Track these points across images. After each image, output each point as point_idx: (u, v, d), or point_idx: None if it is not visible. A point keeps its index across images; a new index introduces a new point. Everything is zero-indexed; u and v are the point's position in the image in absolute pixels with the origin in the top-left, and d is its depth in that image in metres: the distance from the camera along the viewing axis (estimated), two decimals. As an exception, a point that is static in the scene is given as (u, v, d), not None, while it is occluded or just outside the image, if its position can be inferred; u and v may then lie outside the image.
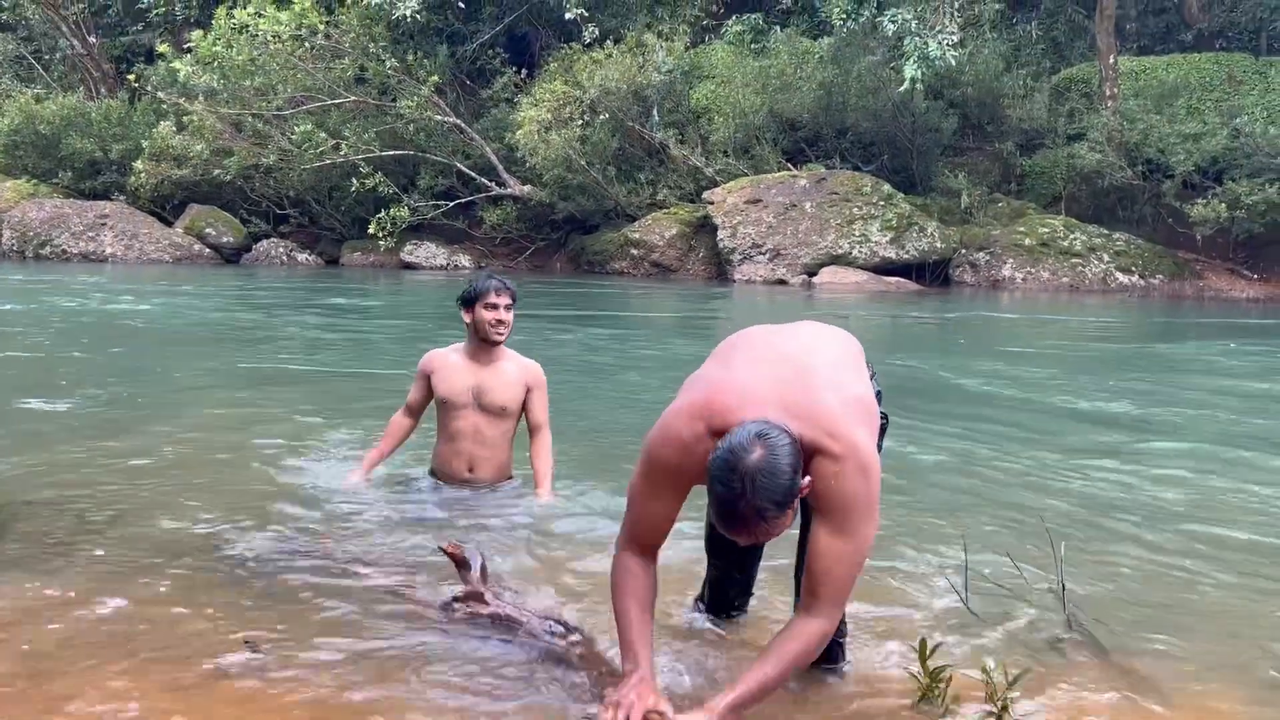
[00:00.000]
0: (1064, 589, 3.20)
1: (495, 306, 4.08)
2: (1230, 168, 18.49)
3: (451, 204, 22.09)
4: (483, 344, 4.14)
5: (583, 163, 20.77)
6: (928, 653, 2.44)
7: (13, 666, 2.62)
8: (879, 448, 2.58)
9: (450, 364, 4.17)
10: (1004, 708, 2.41)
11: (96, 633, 2.85)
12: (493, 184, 22.11)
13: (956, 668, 2.57)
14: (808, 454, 2.20)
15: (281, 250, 22.90)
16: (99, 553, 3.51)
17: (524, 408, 4.20)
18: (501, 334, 4.11)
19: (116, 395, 6.77)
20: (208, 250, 22.55)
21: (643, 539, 2.40)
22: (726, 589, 2.91)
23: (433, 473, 4.28)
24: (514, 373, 4.17)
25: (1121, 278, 18.73)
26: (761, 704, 2.29)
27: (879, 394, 2.66)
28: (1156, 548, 3.92)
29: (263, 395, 6.92)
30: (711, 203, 20.16)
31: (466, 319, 4.14)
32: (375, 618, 2.98)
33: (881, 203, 19.52)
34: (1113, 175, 19.39)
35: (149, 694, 2.50)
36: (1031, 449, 5.63)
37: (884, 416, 2.66)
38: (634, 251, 20.73)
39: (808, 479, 2.18)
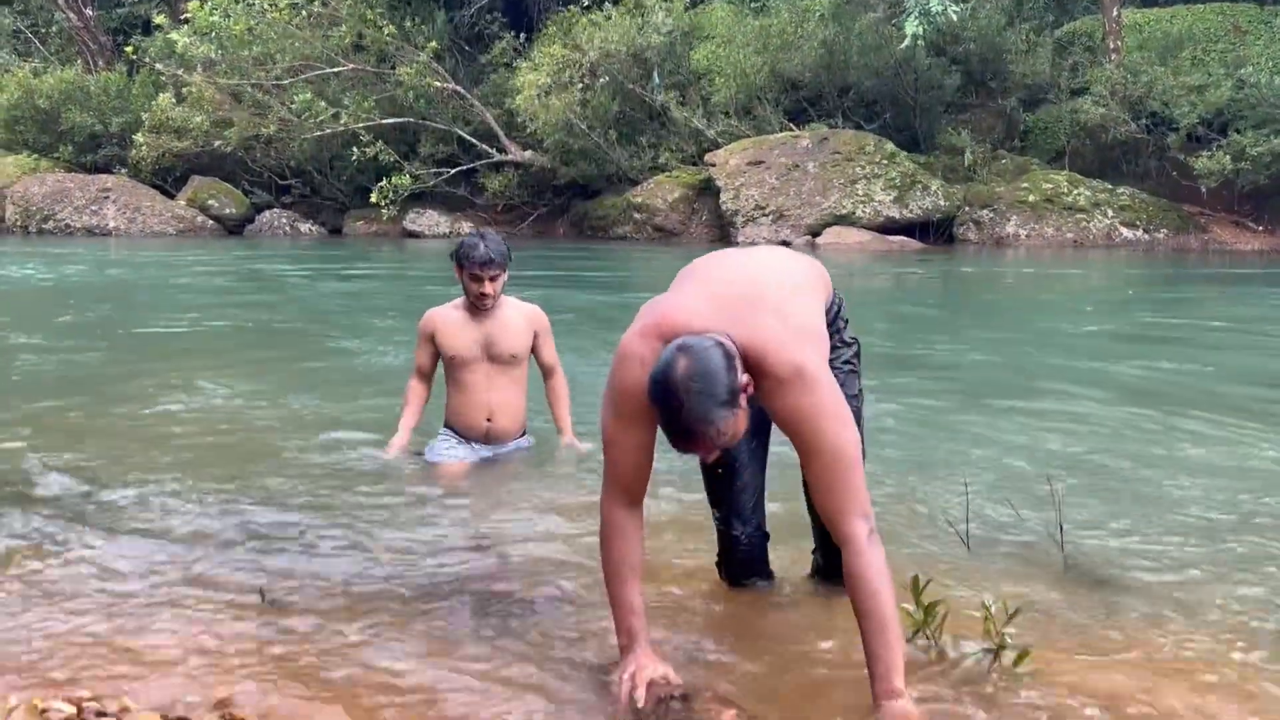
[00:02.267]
0: (1061, 529, 3.24)
1: (479, 279, 3.97)
2: (1235, 119, 18.34)
3: (453, 171, 22.04)
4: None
5: (583, 127, 20.68)
6: (921, 588, 2.48)
7: (33, 616, 2.68)
8: (858, 372, 2.73)
9: (452, 321, 4.10)
10: (1001, 643, 2.46)
11: (98, 583, 2.92)
12: (494, 150, 22.05)
13: (956, 605, 2.61)
14: (756, 374, 2.23)
15: (284, 221, 22.90)
16: (117, 509, 3.58)
17: (533, 352, 4.20)
18: (486, 306, 4.03)
19: (128, 360, 6.82)
20: (211, 222, 22.55)
21: (625, 481, 2.38)
22: (735, 535, 2.82)
23: (449, 426, 4.23)
24: (519, 319, 4.13)
25: (1126, 233, 18.66)
26: None
27: (845, 320, 2.72)
28: (1152, 490, 3.96)
29: (278, 361, 6.97)
30: (713, 165, 20.08)
31: (457, 277, 4.08)
32: (392, 580, 3.01)
33: (884, 161, 19.43)
34: (1117, 129, 19.27)
35: (160, 638, 2.56)
36: (1028, 398, 5.66)
37: (855, 340, 2.74)
38: (636, 216, 20.68)
39: (747, 377, 2.19)
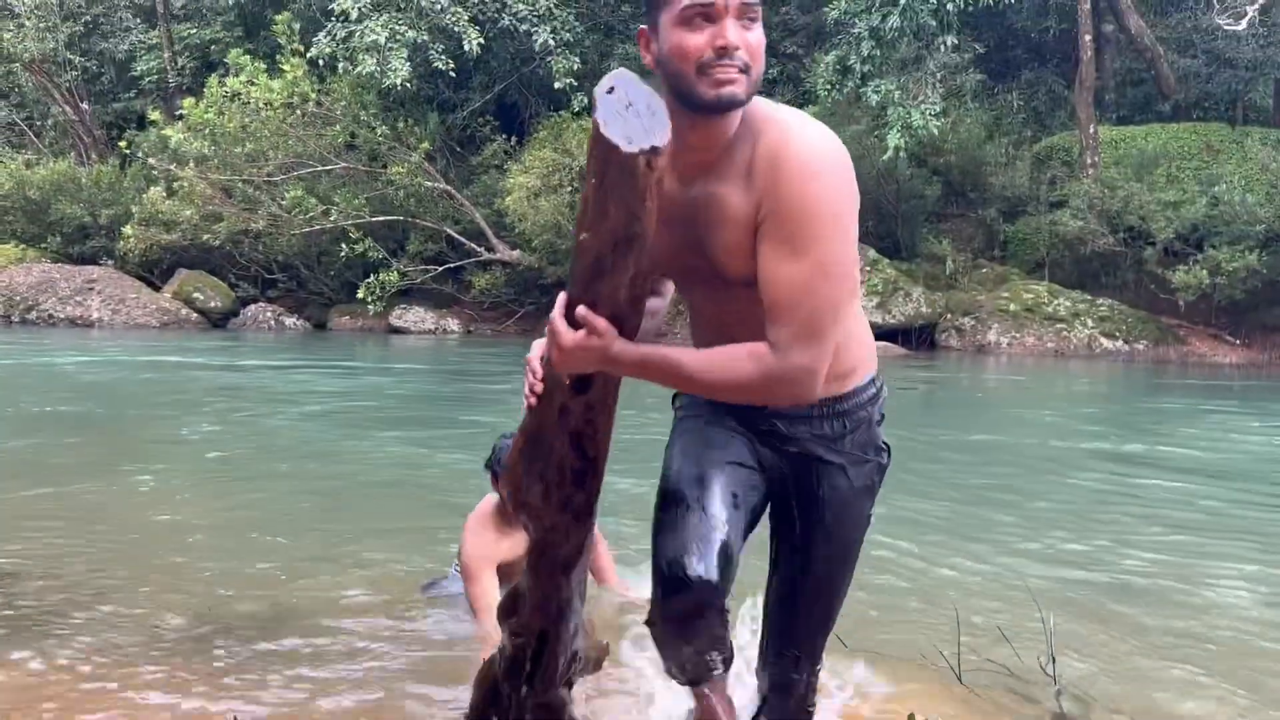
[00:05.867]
0: (1054, 661, 3.18)
1: None
2: (1210, 235, 18.72)
3: (440, 269, 22.18)
4: None
5: (571, 228, 20.89)
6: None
7: None
8: (875, 494, 2.15)
9: (505, 540, 3.51)
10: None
11: (80, 703, 2.82)
12: (482, 249, 22.24)
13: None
14: (752, 134, 1.88)
15: (269, 315, 22.90)
16: (88, 626, 3.49)
17: None
18: None
19: (98, 461, 6.72)
20: (195, 315, 22.53)
21: None
22: (687, 575, 1.97)
23: None
24: None
25: (1106, 343, 18.86)
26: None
27: (883, 415, 2.20)
28: (1144, 620, 3.90)
29: (245, 465, 6.88)
30: (699, 268, 20.28)
31: (494, 487, 3.54)
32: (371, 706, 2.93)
33: (867, 268, 19.67)
34: (1095, 242, 19.62)
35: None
36: (1017, 517, 5.62)
37: (888, 448, 2.20)
38: (622, 316, 20.78)
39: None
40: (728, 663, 2.12)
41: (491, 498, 3.56)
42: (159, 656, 3.23)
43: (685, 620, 2.00)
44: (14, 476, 6.04)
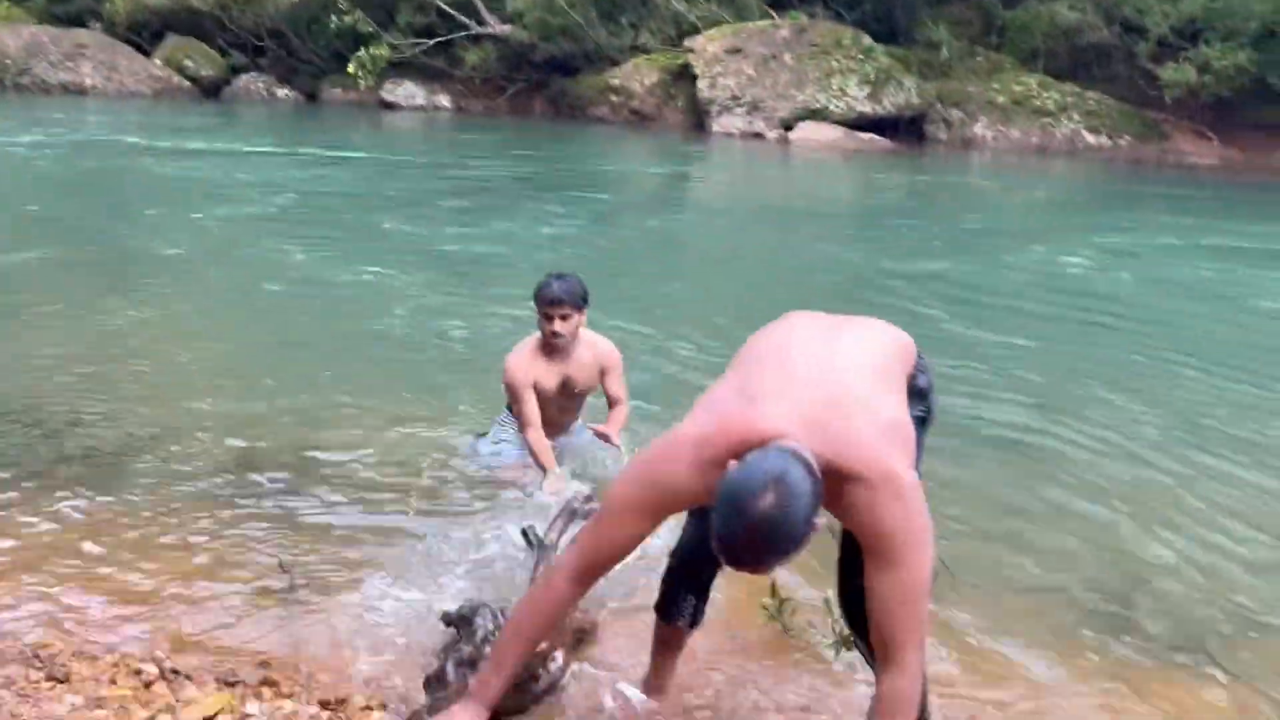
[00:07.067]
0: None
1: (550, 318, 3.80)
2: (1206, 30, 18.57)
3: (431, 42, 21.94)
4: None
5: (564, 3, 20.61)
6: (777, 588, 3.12)
7: (59, 579, 2.98)
8: (921, 442, 2.36)
9: (539, 368, 3.95)
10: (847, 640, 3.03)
11: (130, 546, 3.20)
12: (472, 22, 21.93)
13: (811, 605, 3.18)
14: (837, 479, 2.03)
15: (261, 85, 22.81)
16: (146, 472, 3.78)
17: (601, 383, 4.13)
18: (559, 345, 3.88)
19: (98, 281, 6.76)
20: (187, 83, 22.45)
21: (598, 565, 2.23)
22: (679, 585, 2.57)
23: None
24: (589, 359, 4.03)
25: (1090, 138, 19.08)
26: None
27: (930, 387, 2.44)
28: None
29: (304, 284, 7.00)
30: (692, 50, 20.17)
31: (537, 314, 3.90)
32: (414, 558, 3.24)
33: (861, 56, 19.61)
34: (1090, 34, 19.45)
35: (173, 605, 2.88)
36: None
37: (926, 411, 2.43)
38: (613, 98, 20.82)
39: (821, 520, 1.98)
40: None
41: (535, 336, 3.94)
42: (189, 510, 3.47)
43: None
44: (11, 301, 6.14)
